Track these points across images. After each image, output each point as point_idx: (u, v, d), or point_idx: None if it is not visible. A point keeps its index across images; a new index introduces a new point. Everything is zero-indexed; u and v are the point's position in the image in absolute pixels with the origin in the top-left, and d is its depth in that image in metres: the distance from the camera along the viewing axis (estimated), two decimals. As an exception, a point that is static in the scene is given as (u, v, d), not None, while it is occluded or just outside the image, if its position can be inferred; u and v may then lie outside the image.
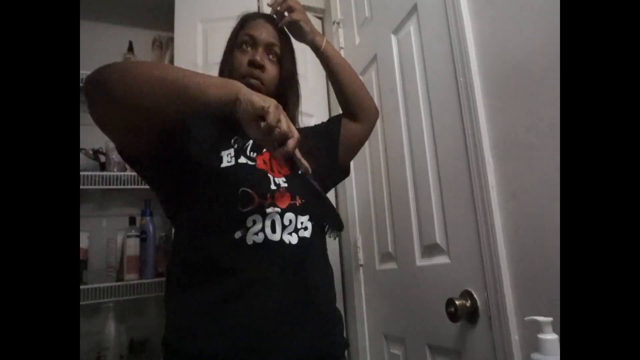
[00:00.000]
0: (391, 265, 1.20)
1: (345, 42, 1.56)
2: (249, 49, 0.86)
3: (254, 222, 0.71)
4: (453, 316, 0.85)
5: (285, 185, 0.77)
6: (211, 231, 0.72)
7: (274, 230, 0.72)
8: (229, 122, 0.78)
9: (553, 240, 0.68)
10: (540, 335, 0.53)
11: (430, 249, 1.02)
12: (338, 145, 0.94)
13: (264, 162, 0.79)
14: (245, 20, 0.91)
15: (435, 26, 1.00)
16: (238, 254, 0.69)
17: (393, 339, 1.19)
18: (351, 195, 1.45)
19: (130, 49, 1.73)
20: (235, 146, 0.79)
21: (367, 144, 1.35)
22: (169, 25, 1.57)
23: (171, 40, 1.63)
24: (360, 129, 0.97)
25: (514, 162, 0.77)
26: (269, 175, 0.77)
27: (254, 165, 0.77)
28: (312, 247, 0.77)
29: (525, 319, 0.58)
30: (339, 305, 1.48)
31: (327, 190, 0.97)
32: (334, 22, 1.62)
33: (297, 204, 0.76)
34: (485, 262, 0.81)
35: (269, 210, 0.72)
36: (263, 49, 0.86)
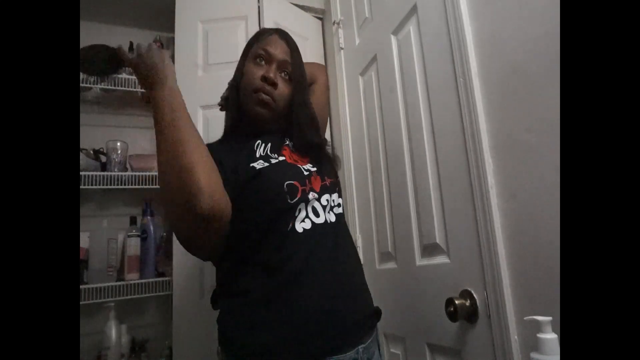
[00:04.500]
0: (391, 265, 1.20)
1: (345, 43, 1.56)
2: (263, 63, 0.89)
3: (299, 211, 0.77)
4: (453, 316, 0.85)
5: (314, 169, 0.84)
6: (262, 229, 0.75)
7: (316, 214, 0.79)
8: (244, 137, 0.88)
9: (552, 240, 0.68)
10: (540, 335, 0.53)
11: (430, 249, 1.02)
12: None
13: (290, 156, 0.86)
14: (262, 34, 0.94)
15: (435, 26, 1.00)
16: (288, 244, 0.74)
17: (393, 338, 1.19)
18: (351, 195, 1.45)
19: (131, 49, 1.73)
20: (261, 151, 0.85)
21: (367, 144, 1.36)
22: (170, 26, 1.57)
23: (172, 40, 1.64)
24: None
25: (513, 162, 0.77)
26: (298, 165, 0.84)
27: (285, 160, 0.84)
28: (344, 222, 0.87)
29: (525, 318, 0.58)
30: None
31: None
32: (334, 23, 1.62)
33: (327, 184, 0.84)
34: (484, 261, 0.81)
35: (310, 196, 0.79)
36: (277, 66, 0.88)
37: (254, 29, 1.51)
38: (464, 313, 0.85)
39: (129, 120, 1.76)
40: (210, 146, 0.77)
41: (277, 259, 0.73)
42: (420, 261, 1.06)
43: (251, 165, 0.79)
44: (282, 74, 0.89)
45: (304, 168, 0.83)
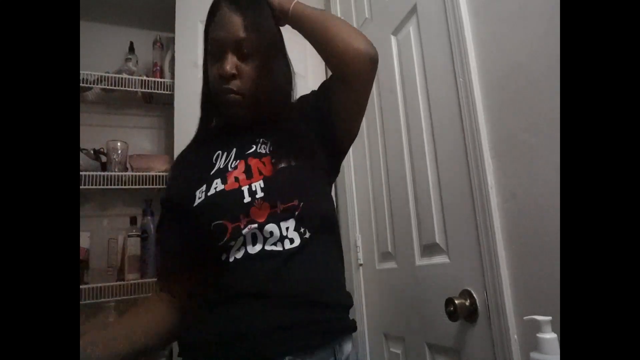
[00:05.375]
0: (391, 265, 1.20)
1: (345, 42, 1.56)
2: (219, 56, 0.74)
3: (235, 243, 0.68)
4: (452, 315, 0.85)
5: (262, 194, 0.69)
6: (202, 260, 0.75)
7: (254, 243, 0.68)
8: (211, 142, 0.81)
9: (552, 240, 0.68)
10: (540, 335, 0.53)
11: (430, 249, 1.02)
12: (333, 127, 0.78)
13: (235, 178, 0.71)
14: (210, 18, 0.77)
15: (434, 27, 1.00)
16: (224, 272, 0.69)
17: (393, 338, 1.19)
18: (351, 195, 1.45)
19: (131, 49, 1.73)
20: (220, 164, 0.75)
21: (367, 144, 1.36)
22: (170, 26, 1.57)
23: (172, 40, 1.64)
24: (353, 89, 0.77)
25: (513, 162, 0.77)
26: (243, 188, 0.70)
27: (223, 189, 0.70)
28: (302, 252, 0.69)
29: (525, 318, 0.58)
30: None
31: (337, 170, 0.86)
32: (334, 22, 1.62)
33: (279, 211, 0.68)
34: (484, 261, 0.81)
35: (245, 231, 0.67)
36: (232, 52, 0.73)
37: (254, 29, 1.51)
38: (463, 313, 0.85)
39: (129, 120, 1.76)
40: (180, 155, 0.86)
41: (213, 285, 0.71)
42: (420, 261, 1.06)
43: (196, 192, 0.73)
44: (242, 56, 0.73)
45: (250, 190, 0.69)
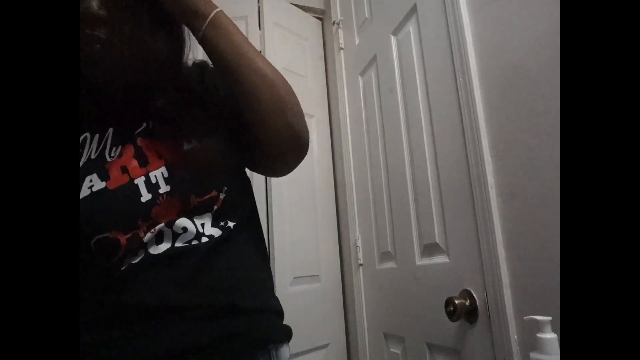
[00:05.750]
0: (391, 265, 1.20)
1: (345, 43, 1.56)
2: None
3: (136, 253, 0.49)
4: (452, 315, 0.85)
5: (167, 188, 0.51)
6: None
7: (159, 242, 0.50)
8: (88, 113, 0.53)
9: (552, 240, 0.68)
10: (540, 335, 0.53)
11: (430, 249, 1.02)
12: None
13: (123, 169, 0.51)
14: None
15: (434, 27, 1.00)
16: (112, 284, 0.50)
17: (393, 337, 1.19)
18: (351, 195, 1.45)
19: (131, 48, 1.72)
20: (86, 156, 0.53)
21: (367, 144, 1.36)
22: (169, 25, 1.57)
23: (171, 40, 1.63)
24: (272, 162, 0.63)
25: (513, 162, 0.77)
26: (137, 181, 0.50)
27: (104, 187, 0.49)
28: (222, 248, 0.53)
29: (525, 318, 0.58)
30: (339, 304, 1.48)
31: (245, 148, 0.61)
32: (333, 23, 1.62)
33: (191, 206, 0.52)
34: (484, 261, 0.81)
35: (148, 237, 0.49)
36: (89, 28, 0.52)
37: (254, 29, 1.51)
38: (463, 313, 0.85)
39: (129, 120, 1.75)
40: None
41: (95, 300, 0.50)
42: (420, 261, 1.06)
43: (85, 178, 0.50)
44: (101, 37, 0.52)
45: (147, 185, 0.50)
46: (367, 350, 1.31)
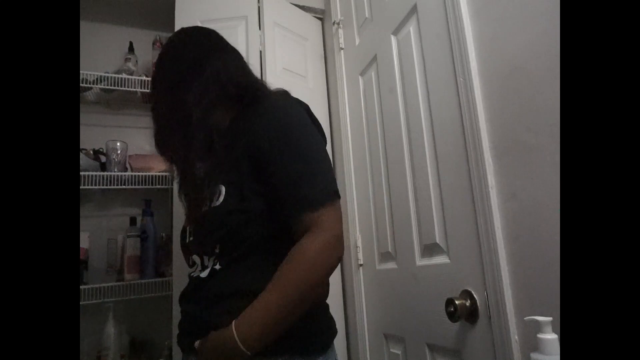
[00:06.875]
0: (391, 265, 1.20)
1: (345, 43, 1.56)
2: None
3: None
4: (453, 316, 0.85)
5: (191, 239, 0.82)
6: None
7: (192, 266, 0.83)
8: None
9: (552, 240, 0.68)
10: (540, 335, 0.53)
11: (430, 249, 1.02)
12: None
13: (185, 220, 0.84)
14: None
15: (435, 26, 1.00)
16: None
17: (393, 338, 1.19)
18: (351, 195, 1.45)
19: (131, 49, 1.73)
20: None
21: (367, 143, 1.36)
22: (170, 26, 1.57)
23: (171, 40, 1.63)
24: None
25: (513, 162, 0.77)
26: (187, 229, 0.84)
27: (185, 227, 0.85)
28: (216, 277, 0.75)
29: (525, 318, 0.58)
30: (339, 304, 1.48)
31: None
32: (334, 23, 1.62)
33: (202, 251, 0.79)
34: (484, 261, 0.81)
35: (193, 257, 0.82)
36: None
37: (254, 29, 1.51)
38: (464, 313, 0.85)
39: (129, 120, 1.76)
40: None
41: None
42: (420, 261, 1.06)
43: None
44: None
45: (189, 232, 0.83)
46: (367, 350, 1.31)
